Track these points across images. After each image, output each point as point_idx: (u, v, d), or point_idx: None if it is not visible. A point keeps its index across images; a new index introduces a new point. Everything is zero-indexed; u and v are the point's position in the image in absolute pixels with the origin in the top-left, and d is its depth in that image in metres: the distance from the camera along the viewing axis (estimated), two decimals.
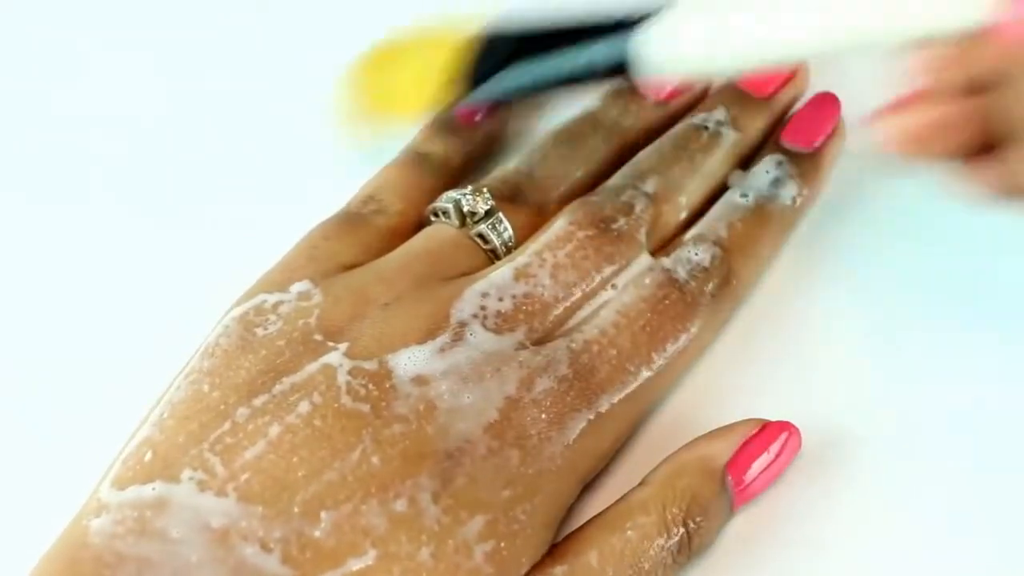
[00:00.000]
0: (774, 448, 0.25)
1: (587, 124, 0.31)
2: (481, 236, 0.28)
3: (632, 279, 0.27)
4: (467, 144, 0.32)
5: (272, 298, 0.27)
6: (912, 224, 0.30)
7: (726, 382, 0.28)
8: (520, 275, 0.27)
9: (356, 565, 0.22)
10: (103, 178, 0.34)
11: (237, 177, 0.33)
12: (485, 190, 0.29)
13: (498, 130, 0.33)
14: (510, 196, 0.29)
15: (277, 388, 0.24)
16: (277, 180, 0.33)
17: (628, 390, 0.26)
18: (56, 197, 0.33)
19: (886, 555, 0.25)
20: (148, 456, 0.24)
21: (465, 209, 0.28)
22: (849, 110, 0.31)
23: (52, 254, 0.32)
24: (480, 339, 0.26)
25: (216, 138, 0.34)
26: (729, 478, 0.25)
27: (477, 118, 0.32)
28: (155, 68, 0.36)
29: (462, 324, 0.26)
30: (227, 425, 0.24)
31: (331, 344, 0.25)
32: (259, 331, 0.26)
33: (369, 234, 0.29)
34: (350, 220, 0.29)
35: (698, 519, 0.24)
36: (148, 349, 0.28)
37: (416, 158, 0.31)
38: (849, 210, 0.30)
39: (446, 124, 0.32)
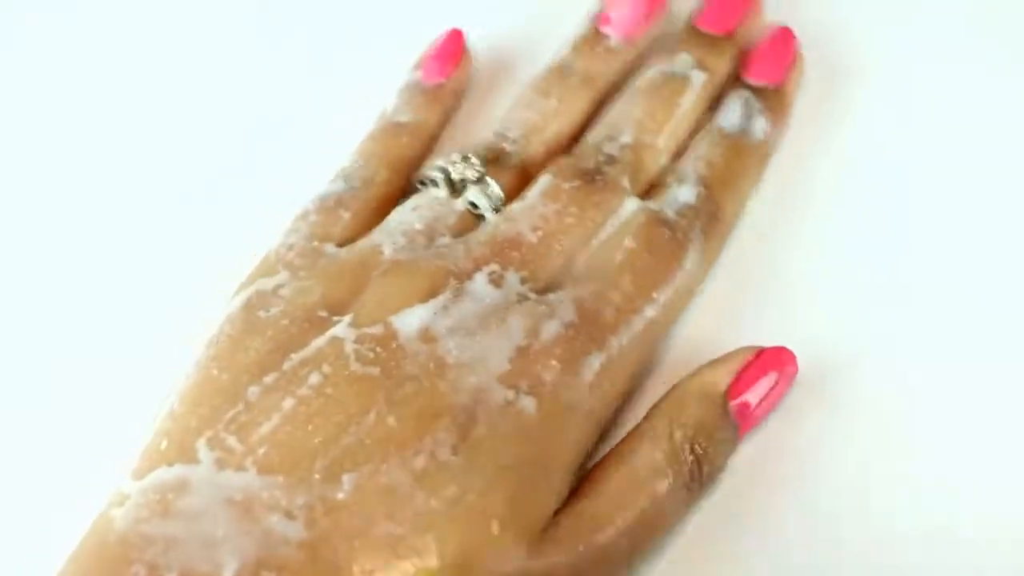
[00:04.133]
0: (772, 372, 0.26)
1: (557, 74, 0.31)
2: (472, 203, 0.28)
3: (623, 223, 0.28)
4: (438, 105, 0.32)
5: (271, 282, 0.27)
6: (888, 152, 0.31)
7: (724, 320, 0.29)
8: (513, 230, 0.27)
9: (382, 524, 0.22)
10: (105, 179, 0.33)
11: (237, 178, 0.33)
12: (472, 157, 0.29)
13: (463, 84, 0.33)
14: (494, 159, 0.29)
15: (287, 365, 0.24)
16: (277, 180, 0.32)
17: (635, 329, 0.26)
18: (58, 199, 0.33)
19: (887, 482, 0.26)
20: (164, 444, 0.24)
21: (455, 177, 0.29)
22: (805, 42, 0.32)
23: (51, 256, 0.32)
24: (482, 293, 0.26)
25: (215, 137, 0.34)
26: (731, 403, 0.26)
27: (443, 79, 0.32)
28: (151, 64, 0.35)
29: (462, 281, 0.26)
30: (240, 405, 0.24)
31: (336, 318, 0.25)
32: (262, 313, 0.26)
33: (359, 205, 0.29)
34: (338, 194, 0.29)
35: (703, 443, 0.25)
36: (162, 350, 0.28)
37: (393, 126, 0.31)
38: (816, 140, 0.31)
39: (415, 90, 0.32)
